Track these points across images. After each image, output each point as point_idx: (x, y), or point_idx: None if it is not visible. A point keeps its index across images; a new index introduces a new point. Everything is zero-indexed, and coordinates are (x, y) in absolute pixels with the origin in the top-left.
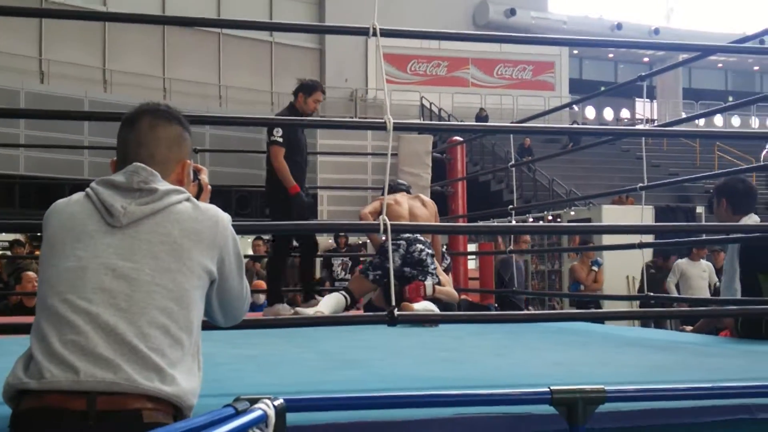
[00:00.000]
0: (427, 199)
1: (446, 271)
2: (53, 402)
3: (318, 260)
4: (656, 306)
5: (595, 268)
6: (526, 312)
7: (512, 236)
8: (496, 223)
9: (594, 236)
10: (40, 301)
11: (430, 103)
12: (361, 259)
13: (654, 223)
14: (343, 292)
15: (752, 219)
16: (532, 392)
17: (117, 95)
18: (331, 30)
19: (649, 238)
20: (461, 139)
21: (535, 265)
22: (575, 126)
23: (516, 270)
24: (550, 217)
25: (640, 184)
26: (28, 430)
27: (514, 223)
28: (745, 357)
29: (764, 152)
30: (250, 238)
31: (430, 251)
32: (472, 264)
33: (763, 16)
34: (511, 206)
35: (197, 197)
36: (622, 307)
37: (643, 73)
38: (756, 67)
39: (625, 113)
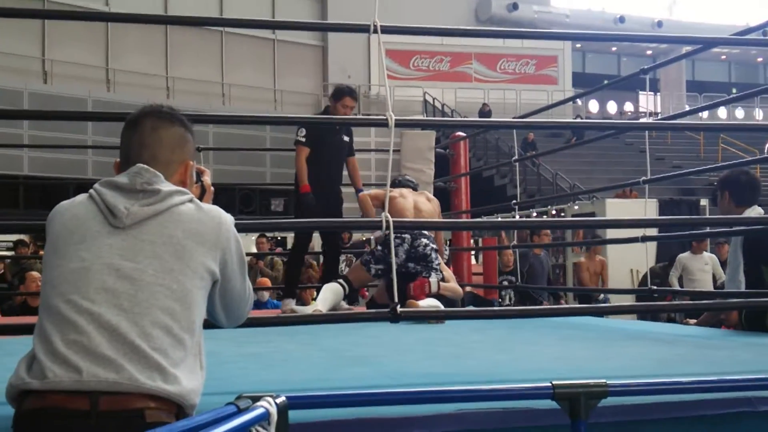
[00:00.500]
0: (431, 196)
1: (446, 263)
2: (56, 402)
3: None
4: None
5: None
6: (527, 307)
7: (530, 231)
8: (499, 219)
9: (598, 230)
10: (44, 301)
11: (433, 99)
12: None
13: (658, 217)
14: (341, 281)
15: (756, 211)
16: (534, 387)
17: (120, 95)
18: (333, 27)
19: (652, 232)
20: (464, 134)
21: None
22: (579, 120)
23: (538, 263)
24: (553, 212)
25: (644, 178)
26: (31, 430)
27: (517, 218)
28: (748, 350)
29: None
30: (253, 236)
31: (434, 246)
32: (475, 259)
33: (766, 8)
34: (514, 201)
35: (200, 198)
36: (626, 301)
37: (646, 66)
38: (759, 59)
39: (628, 106)
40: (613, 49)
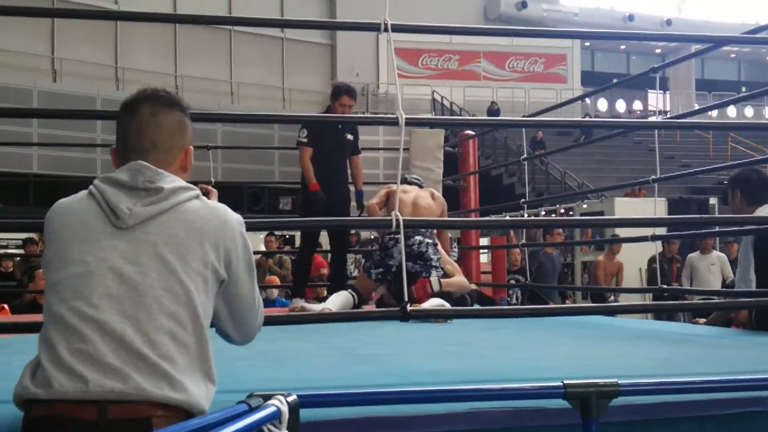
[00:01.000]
0: (437, 193)
1: (457, 262)
2: (63, 411)
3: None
4: (669, 298)
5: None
6: (535, 306)
7: (542, 229)
8: (508, 217)
9: (607, 229)
10: (47, 307)
11: (442, 97)
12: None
13: (668, 216)
14: (351, 291)
15: (767, 210)
16: (545, 386)
17: (129, 93)
18: (343, 26)
19: (662, 231)
20: (473, 133)
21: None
22: (587, 119)
23: (549, 263)
24: (562, 210)
25: (653, 177)
26: None
27: (526, 216)
28: (758, 349)
29: None
30: (262, 235)
31: (430, 241)
32: (484, 258)
33: None
34: (523, 200)
35: None
36: (635, 299)
37: (656, 65)
38: None
39: (637, 105)
40: (622, 47)
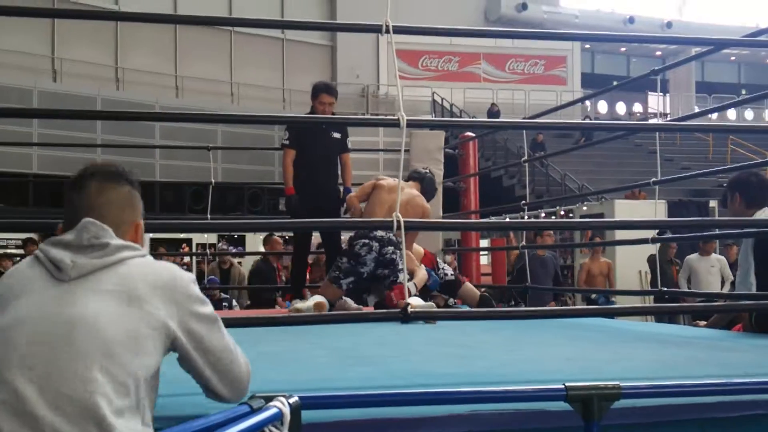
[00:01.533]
0: (416, 194)
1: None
2: None
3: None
4: (669, 300)
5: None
6: (536, 308)
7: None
8: (508, 219)
9: (607, 231)
10: None
11: (442, 99)
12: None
13: (668, 218)
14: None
15: (766, 213)
16: (547, 389)
17: (129, 93)
18: (344, 27)
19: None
20: (473, 134)
21: (563, 260)
22: (588, 121)
23: (538, 265)
24: (562, 212)
25: (654, 179)
26: None
27: (526, 218)
28: (759, 352)
29: None
30: (261, 235)
31: (399, 250)
32: (484, 259)
33: None
34: (523, 201)
35: None
36: (635, 302)
37: (657, 68)
38: None
39: (637, 107)
40: (623, 49)
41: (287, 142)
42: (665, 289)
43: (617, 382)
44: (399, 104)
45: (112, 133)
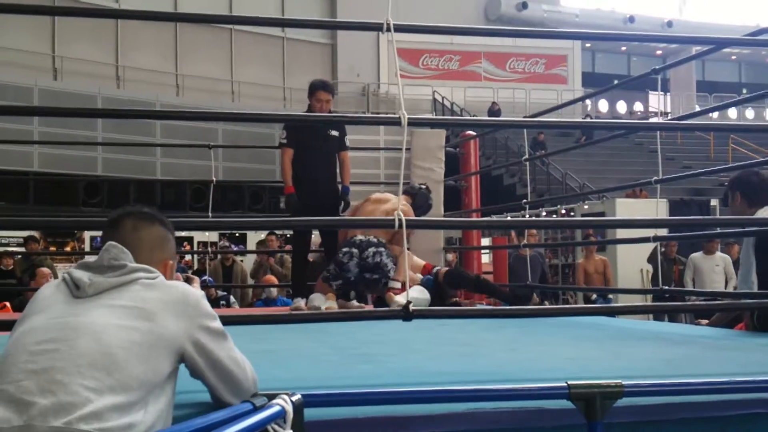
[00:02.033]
0: (403, 204)
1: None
2: None
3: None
4: (670, 299)
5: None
6: (538, 307)
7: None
8: (509, 218)
9: (608, 230)
10: None
11: (443, 98)
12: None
13: (669, 217)
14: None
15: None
16: (549, 387)
17: (130, 92)
18: (344, 26)
19: (663, 232)
20: (474, 133)
21: (549, 259)
22: (588, 120)
23: (520, 265)
24: (563, 211)
25: (655, 178)
26: None
27: (527, 217)
28: (761, 350)
29: None
30: (263, 234)
31: (383, 249)
32: (485, 258)
33: None
34: (525, 200)
35: None
36: (636, 300)
37: (657, 67)
38: None
39: (638, 106)
40: (623, 48)
41: (285, 141)
42: (666, 288)
43: (620, 381)
44: (400, 103)
45: (113, 132)
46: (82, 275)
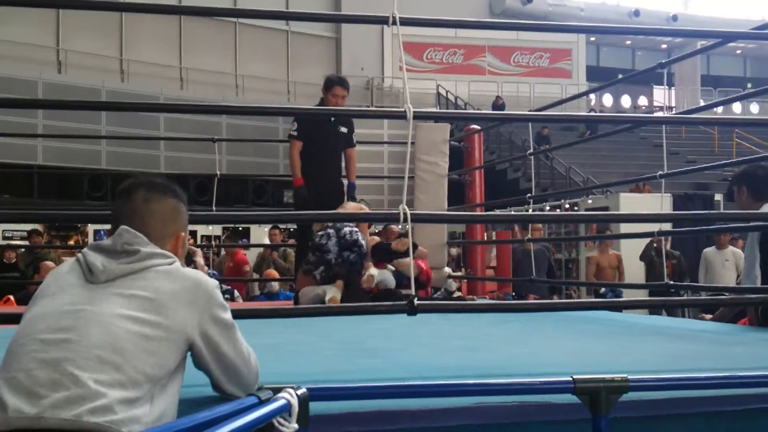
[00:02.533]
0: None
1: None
2: None
3: None
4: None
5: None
6: (543, 301)
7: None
8: (513, 212)
9: (611, 224)
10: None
11: (447, 92)
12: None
13: (675, 212)
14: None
15: None
16: (555, 381)
17: (134, 85)
18: (349, 19)
19: (667, 226)
20: (478, 127)
21: (552, 254)
22: (593, 114)
23: (528, 258)
24: (567, 206)
25: (660, 172)
26: None
27: (531, 212)
28: (765, 345)
29: None
30: (266, 227)
31: (358, 232)
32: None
33: None
34: (529, 195)
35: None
36: (640, 295)
37: (663, 61)
38: None
39: (642, 100)
40: (628, 42)
41: (295, 134)
42: (671, 282)
43: (625, 375)
44: (405, 96)
45: (117, 125)
46: (96, 259)
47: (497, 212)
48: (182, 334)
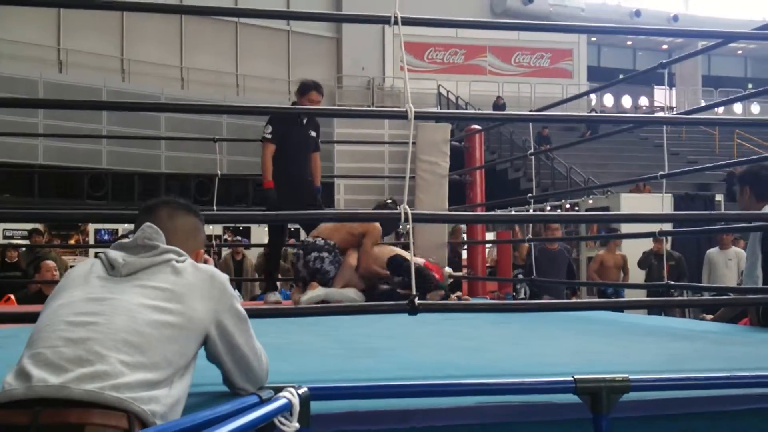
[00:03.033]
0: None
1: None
2: (1, 418)
3: None
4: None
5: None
6: (543, 301)
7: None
8: (513, 212)
9: (611, 225)
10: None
11: (447, 92)
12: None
13: (676, 212)
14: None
15: None
16: (556, 381)
17: (135, 84)
18: (350, 18)
19: (668, 227)
20: (479, 127)
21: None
22: (594, 114)
23: (547, 258)
24: (568, 206)
25: (661, 172)
26: None
27: (532, 211)
28: (766, 346)
29: None
30: (266, 227)
31: (328, 256)
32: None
33: None
34: (530, 195)
35: None
36: (642, 296)
37: (664, 61)
38: None
39: (643, 101)
40: (629, 43)
41: (269, 137)
42: (672, 282)
43: (626, 375)
44: (407, 96)
45: (118, 125)
46: (117, 255)
47: (497, 212)
48: (200, 323)
